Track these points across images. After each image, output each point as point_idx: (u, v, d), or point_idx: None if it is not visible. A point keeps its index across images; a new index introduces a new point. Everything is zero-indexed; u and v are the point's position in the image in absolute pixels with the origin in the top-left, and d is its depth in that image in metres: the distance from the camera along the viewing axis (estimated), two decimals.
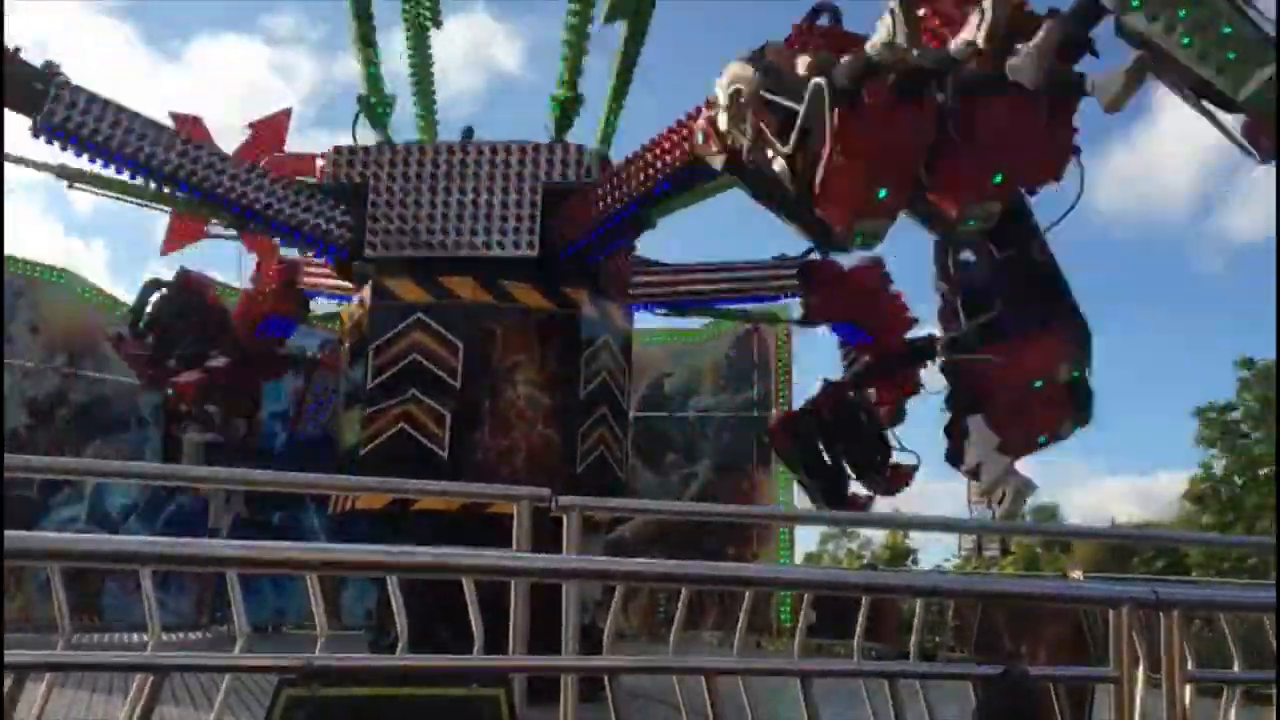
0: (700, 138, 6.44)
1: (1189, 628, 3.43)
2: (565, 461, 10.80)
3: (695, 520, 15.49)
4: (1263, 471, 24.15)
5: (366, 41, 12.10)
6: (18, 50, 9.36)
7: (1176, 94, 5.47)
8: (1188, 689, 3.26)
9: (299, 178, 12.44)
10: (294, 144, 14.19)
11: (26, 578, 15.06)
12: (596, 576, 3.87)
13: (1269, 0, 5.20)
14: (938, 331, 9.00)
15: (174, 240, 14.64)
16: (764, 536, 20.08)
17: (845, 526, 39.45)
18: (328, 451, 12.85)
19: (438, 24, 12.14)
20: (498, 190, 11.02)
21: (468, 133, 11.92)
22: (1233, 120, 5.42)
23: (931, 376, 11.11)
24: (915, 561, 39.35)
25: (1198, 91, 5.36)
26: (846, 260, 12.22)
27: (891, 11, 5.45)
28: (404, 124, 12.52)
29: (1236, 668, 4.36)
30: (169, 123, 12.63)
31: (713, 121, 6.17)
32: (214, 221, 14.14)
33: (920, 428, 11.06)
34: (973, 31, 5.50)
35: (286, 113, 14.47)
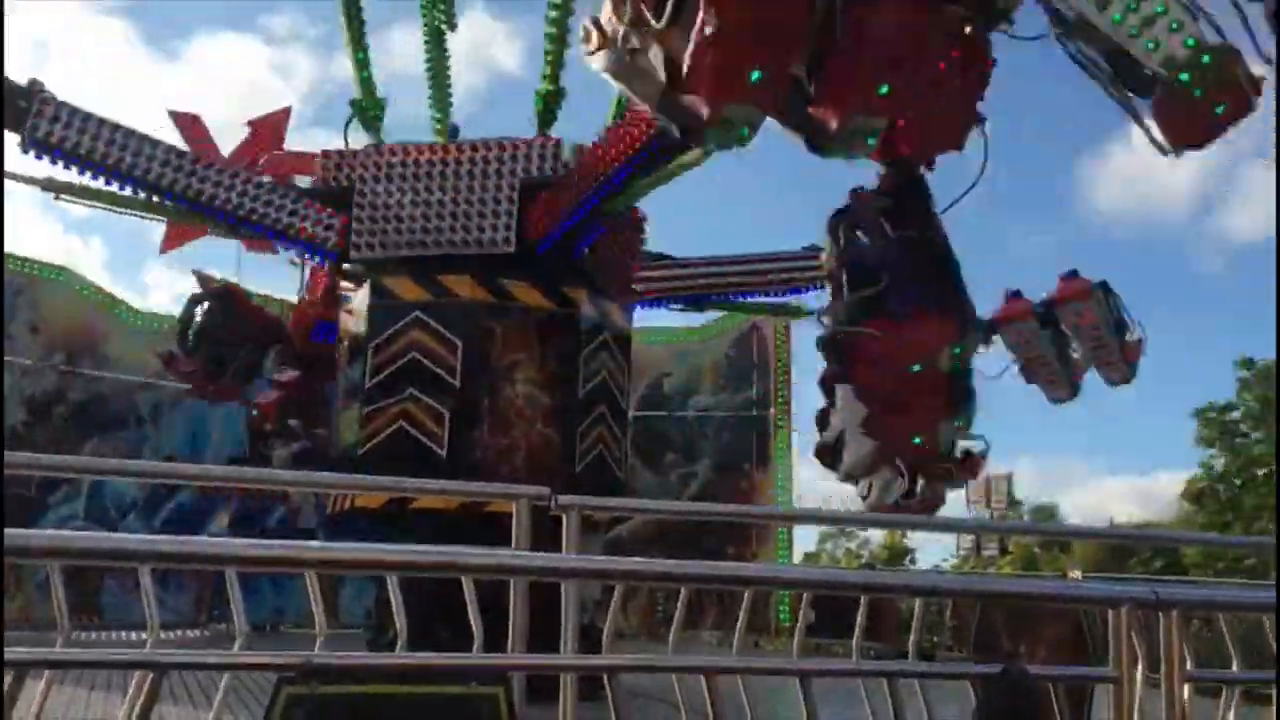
0: (583, 35, 6.09)
1: (1188, 628, 3.44)
2: (564, 461, 10.80)
3: (694, 520, 15.50)
4: (1261, 472, 24.17)
5: (358, 44, 12.14)
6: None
7: (1088, 71, 5.42)
8: (1187, 689, 3.26)
9: (296, 176, 12.49)
10: (293, 142, 14.18)
11: (26, 576, 15.05)
12: (596, 575, 3.87)
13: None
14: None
15: (173, 239, 14.63)
16: (763, 536, 20.09)
17: (843, 526, 39.44)
18: None
19: (452, 27, 12.19)
20: (477, 188, 11.06)
21: (453, 132, 11.97)
22: (1144, 105, 5.38)
23: (987, 360, 10.83)
24: (913, 561, 39.39)
25: (1112, 65, 5.30)
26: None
27: None
28: (407, 125, 12.59)
29: (1235, 668, 4.36)
30: (168, 121, 12.69)
31: (595, 19, 5.87)
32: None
33: None
34: None
35: (286, 111, 14.44)
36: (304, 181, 12.48)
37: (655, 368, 21.14)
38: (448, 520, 9.44)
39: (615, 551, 12.36)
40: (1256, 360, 24.60)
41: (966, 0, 5.37)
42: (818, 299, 14.20)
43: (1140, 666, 3.33)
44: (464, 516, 9.35)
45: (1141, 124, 5.54)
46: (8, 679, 2.52)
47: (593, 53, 5.84)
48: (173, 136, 12.66)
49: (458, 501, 9.33)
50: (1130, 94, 5.47)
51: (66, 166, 10.23)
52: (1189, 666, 3.46)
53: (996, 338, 11.35)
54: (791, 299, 15.04)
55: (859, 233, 6.68)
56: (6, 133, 9.73)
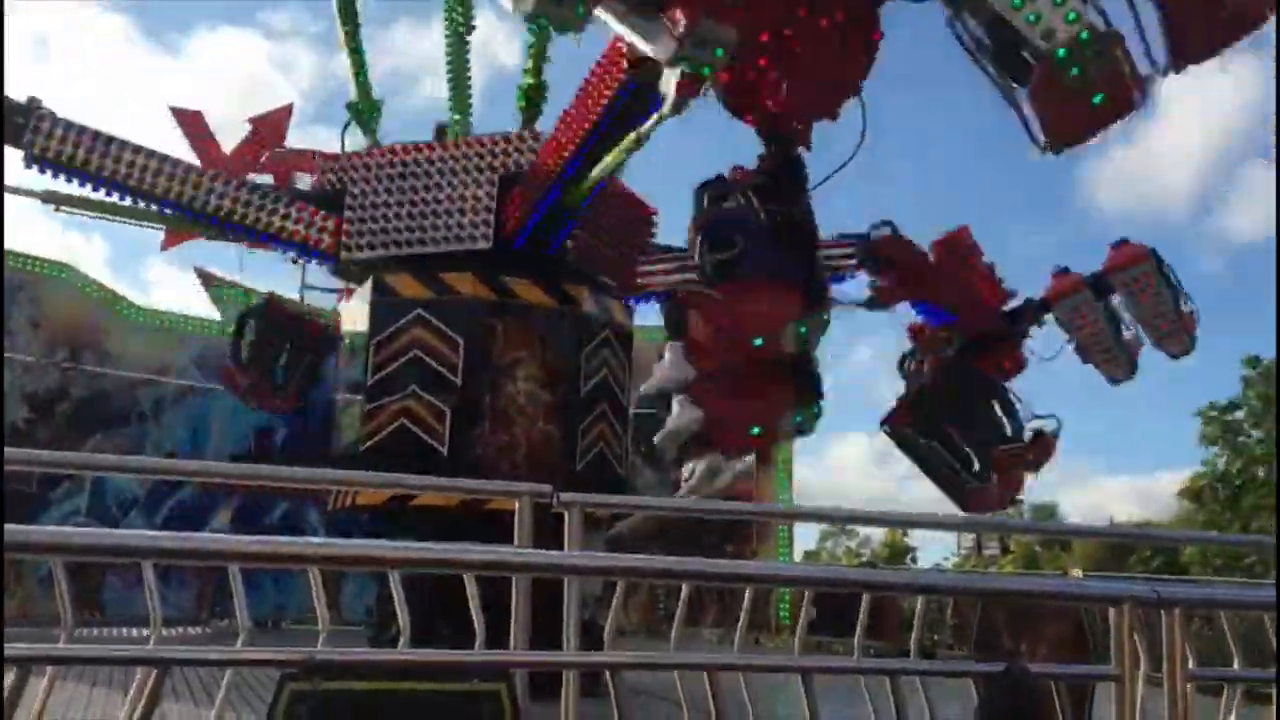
0: None
1: (1189, 626, 3.43)
2: (565, 458, 10.80)
3: (694, 517, 15.49)
4: (1262, 471, 24.14)
5: (355, 48, 12.20)
6: None
7: (973, 55, 5.39)
8: (1189, 687, 3.26)
9: (298, 173, 12.53)
10: (294, 139, 14.18)
11: (27, 573, 15.06)
12: (599, 572, 3.88)
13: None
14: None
15: (173, 237, 14.65)
16: (763, 534, 20.08)
17: (844, 524, 39.45)
18: None
19: (470, 29, 12.24)
20: (458, 184, 11.12)
21: (440, 131, 12.00)
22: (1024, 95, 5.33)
23: (1040, 341, 10.46)
24: (914, 560, 39.43)
25: (994, 40, 5.26)
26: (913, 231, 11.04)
27: None
28: (408, 121, 12.61)
29: (1237, 666, 4.36)
30: (169, 117, 12.72)
31: None
32: None
33: None
34: None
35: (288, 108, 14.47)
36: (305, 178, 12.53)
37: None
38: (448, 518, 9.44)
39: (616, 549, 12.35)
40: (1263, 359, 24.51)
41: None
42: (856, 287, 13.22)
43: (1142, 665, 3.33)
44: (464, 514, 9.35)
45: (1020, 115, 5.49)
46: (13, 675, 2.52)
47: None
48: (174, 133, 12.72)
49: (458, 499, 9.33)
50: (1013, 83, 5.42)
51: (68, 179, 10.52)
52: (1190, 665, 3.46)
53: (1048, 318, 10.96)
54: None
55: (726, 202, 6.54)
56: (9, 150, 10.06)
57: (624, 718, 2.96)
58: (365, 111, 12.28)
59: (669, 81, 5.71)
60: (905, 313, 11.07)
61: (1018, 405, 10.12)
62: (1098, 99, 5.43)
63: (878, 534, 43.29)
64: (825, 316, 6.42)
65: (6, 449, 4.33)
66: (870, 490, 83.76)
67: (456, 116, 12.27)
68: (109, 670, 8.83)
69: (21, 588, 15.17)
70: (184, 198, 10.89)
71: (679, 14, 5.09)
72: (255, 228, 11.20)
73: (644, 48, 5.43)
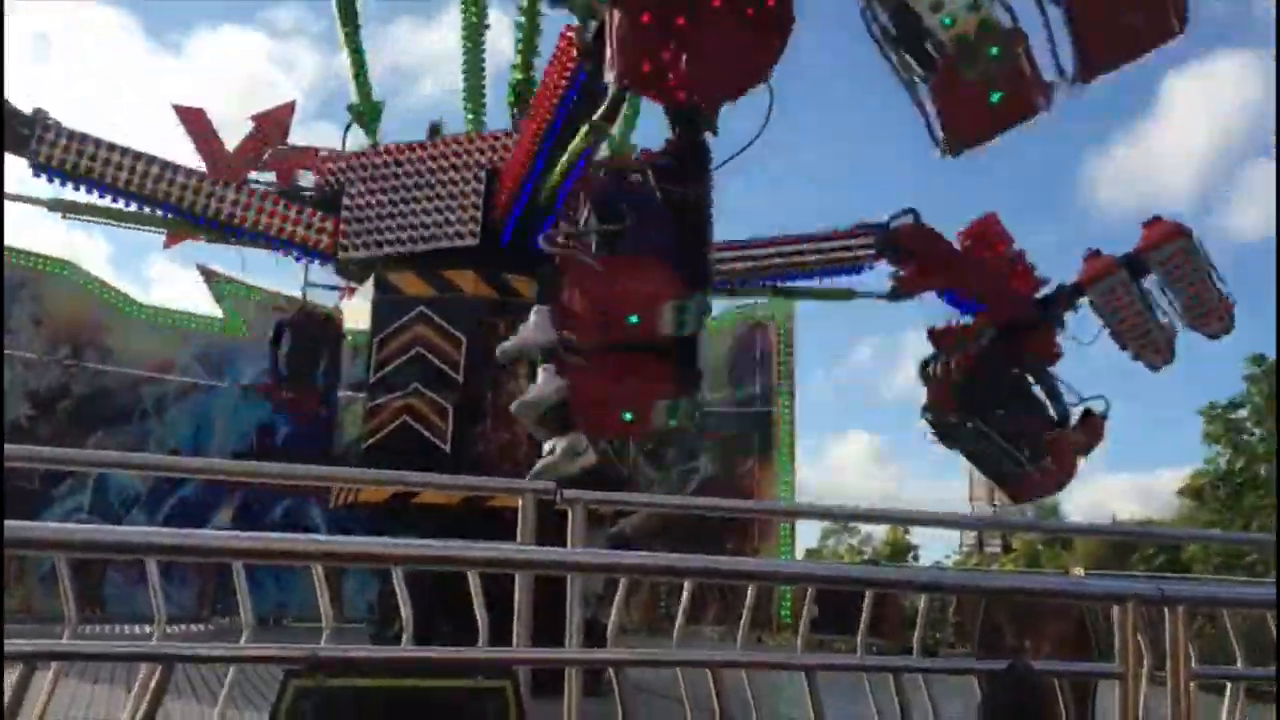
0: None
1: (1192, 624, 3.43)
2: None
3: (696, 515, 15.52)
4: (1263, 469, 24.12)
5: (355, 49, 12.23)
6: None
7: (881, 48, 5.35)
8: (1191, 686, 3.26)
9: (300, 170, 12.56)
10: (297, 136, 14.14)
11: (29, 569, 15.09)
12: (603, 569, 3.87)
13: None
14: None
15: (175, 235, 14.67)
16: (765, 532, 20.08)
17: (846, 522, 39.48)
18: None
19: (485, 26, 12.28)
20: (447, 182, 11.17)
21: (433, 129, 12.01)
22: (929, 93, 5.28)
23: (1077, 325, 10.23)
24: (916, 558, 39.38)
25: (899, 27, 5.23)
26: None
27: None
28: (409, 118, 12.63)
29: (1240, 664, 4.35)
30: (171, 115, 12.76)
31: None
32: None
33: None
34: None
35: (290, 106, 14.40)
36: (308, 175, 12.58)
37: None
38: (450, 515, 9.46)
39: (618, 547, 12.36)
40: (1268, 357, 24.44)
41: None
42: (877, 279, 12.93)
43: (1146, 663, 3.33)
44: (466, 512, 9.37)
45: (924, 112, 5.44)
46: (18, 671, 2.53)
47: None
48: (177, 131, 12.74)
49: (460, 496, 9.35)
50: (918, 79, 5.37)
51: (75, 187, 10.82)
52: (1193, 664, 3.45)
53: (1083, 302, 10.64)
54: (825, 283, 13.42)
55: (623, 177, 6.46)
56: (14, 158, 10.34)
57: (628, 715, 2.96)
58: (366, 113, 12.33)
59: (610, 70, 5.67)
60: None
61: (1061, 388, 9.86)
62: (996, 97, 5.34)
63: (879, 532, 43.31)
64: (706, 302, 6.07)
65: (9, 446, 4.33)
66: (871, 489, 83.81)
67: (470, 115, 12.29)
68: (110, 668, 8.83)
69: (23, 585, 15.19)
70: (184, 202, 11.12)
71: None
72: (256, 230, 11.33)
73: None
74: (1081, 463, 9.84)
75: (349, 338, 11.91)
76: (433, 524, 9.56)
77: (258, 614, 4.31)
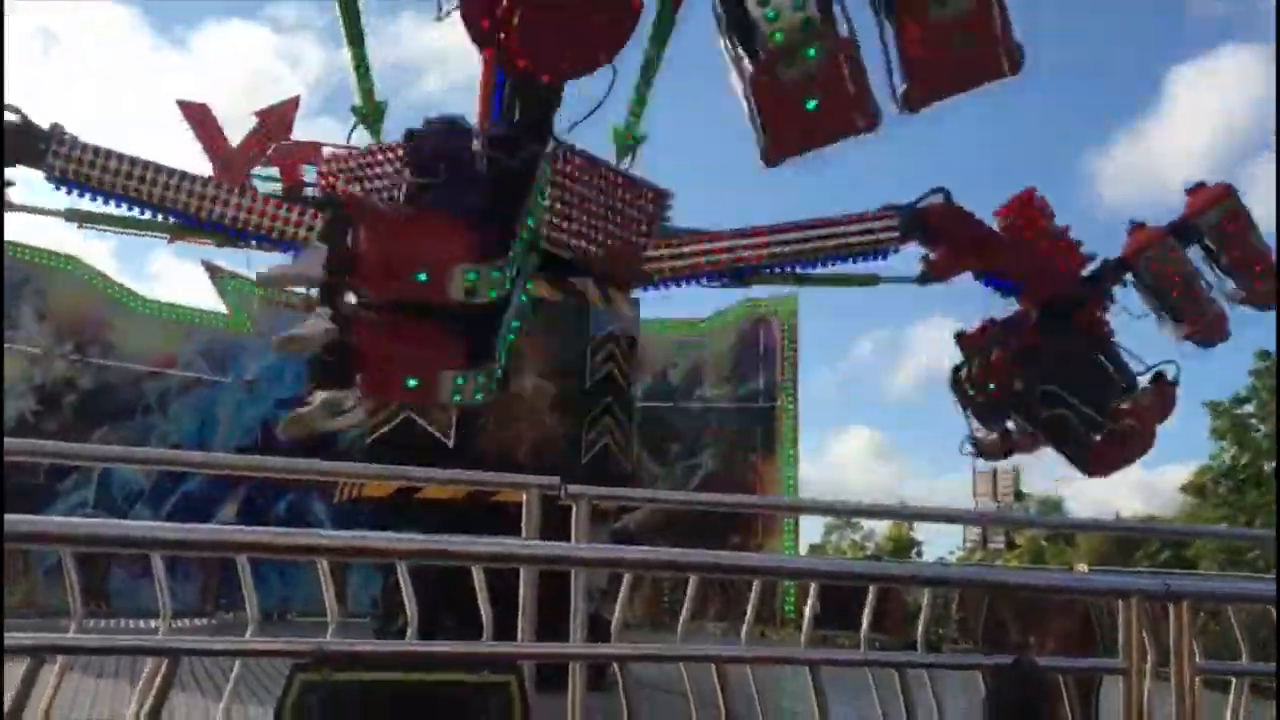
0: None
1: (1196, 620, 3.43)
2: (571, 451, 10.81)
3: (700, 510, 15.53)
4: (1268, 465, 24.10)
5: (358, 49, 12.23)
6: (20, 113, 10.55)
7: (723, 37, 5.33)
8: (1197, 681, 3.26)
9: (305, 165, 12.60)
10: (301, 131, 14.15)
11: (33, 563, 15.13)
12: (607, 564, 3.87)
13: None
14: None
15: (182, 232, 14.69)
16: (768, 528, 20.09)
17: (849, 517, 39.47)
18: None
19: None
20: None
21: (409, 133, 12.02)
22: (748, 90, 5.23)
23: (1127, 297, 9.91)
24: (919, 553, 39.41)
25: (728, 13, 5.19)
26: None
27: None
28: (413, 120, 12.63)
29: (1244, 660, 4.35)
30: (176, 110, 12.80)
31: None
32: None
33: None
34: None
35: (294, 101, 14.39)
36: (312, 170, 12.60)
37: (661, 359, 21.11)
38: (454, 510, 9.47)
39: (622, 542, 12.38)
40: (1274, 353, 24.39)
41: None
42: (905, 262, 11.97)
43: (1150, 658, 3.32)
44: (470, 507, 9.38)
45: (752, 119, 5.37)
46: (24, 664, 2.53)
47: None
48: (181, 126, 12.76)
49: (464, 492, 9.35)
50: (746, 70, 5.33)
51: (93, 198, 11.17)
52: (1198, 659, 3.45)
53: (1129, 277, 10.26)
54: (845, 269, 12.46)
55: (453, 134, 6.37)
56: (29, 170, 10.68)
57: (632, 710, 2.97)
58: (369, 114, 12.38)
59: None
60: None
61: (1126, 357, 9.61)
62: (811, 104, 5.26)
63: (882, 528, 43.30)
64: (503, 274, 5.89)
65: (13, 440, 4.34)
66: (873, 485, 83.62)
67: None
68: (115, 662, 8.84)
69: (27, 579, 15.23)
70: (191, 209, 11.35)
71: None
72: (261, 232, 11.43)
73: None
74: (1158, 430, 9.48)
75: None
76: (436, 519, 9.56)
77: (262, 609, 4.31)
